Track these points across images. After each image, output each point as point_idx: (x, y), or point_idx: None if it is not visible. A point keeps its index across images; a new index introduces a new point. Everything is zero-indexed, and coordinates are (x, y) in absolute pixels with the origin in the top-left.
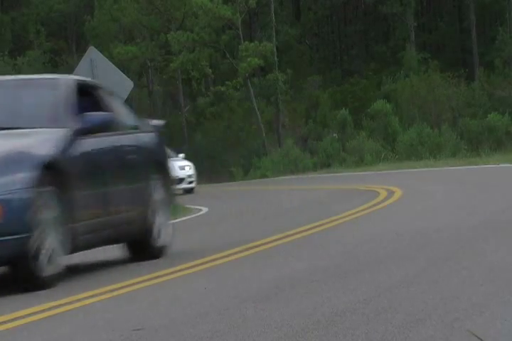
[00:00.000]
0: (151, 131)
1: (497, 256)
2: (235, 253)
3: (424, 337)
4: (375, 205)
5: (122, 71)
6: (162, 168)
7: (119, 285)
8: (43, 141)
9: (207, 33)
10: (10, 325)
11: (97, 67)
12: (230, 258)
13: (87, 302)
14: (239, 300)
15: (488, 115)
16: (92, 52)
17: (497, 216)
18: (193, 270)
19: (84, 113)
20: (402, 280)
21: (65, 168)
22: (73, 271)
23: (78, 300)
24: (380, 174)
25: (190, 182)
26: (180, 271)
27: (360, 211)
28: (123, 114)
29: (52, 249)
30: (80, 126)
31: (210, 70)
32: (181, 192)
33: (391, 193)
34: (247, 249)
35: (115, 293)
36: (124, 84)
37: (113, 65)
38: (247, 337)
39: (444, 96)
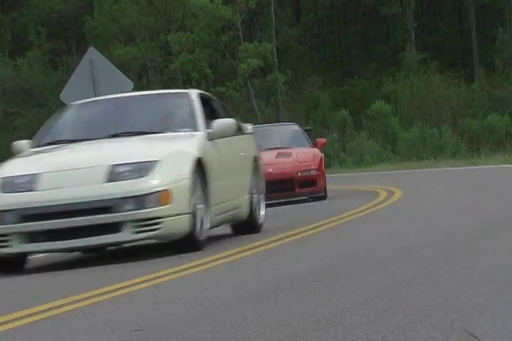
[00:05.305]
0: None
1: (497, 256)
2: (235, 253)
3: (424, 338)
4: (375, 206)
5: (122, 72)
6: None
7: (118, 285)
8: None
9: (207, 33)
10: (10, 325)
11: (96, 67)
12: (229, 259)
13: (87, 302)
14: (239, 301)
15: (488, 115)
16: (92, 53)
17: (497, 216)
18: (193, 270)
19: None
20: (402, 280)
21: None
22: (72, 271)
23: (78, 301)
24: (380, 174)
25: None
26: (179, 271)
27: (360, 211)
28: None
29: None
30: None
31: (210, 71)
32: None
33: (391, 194)
34: (246, 250)
35: (115, 294)
36: (124, 85)
37: (113, 66)
38: (247, 337)
39: (444, 96)
